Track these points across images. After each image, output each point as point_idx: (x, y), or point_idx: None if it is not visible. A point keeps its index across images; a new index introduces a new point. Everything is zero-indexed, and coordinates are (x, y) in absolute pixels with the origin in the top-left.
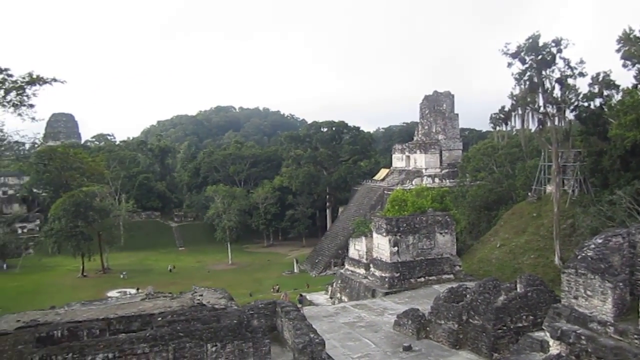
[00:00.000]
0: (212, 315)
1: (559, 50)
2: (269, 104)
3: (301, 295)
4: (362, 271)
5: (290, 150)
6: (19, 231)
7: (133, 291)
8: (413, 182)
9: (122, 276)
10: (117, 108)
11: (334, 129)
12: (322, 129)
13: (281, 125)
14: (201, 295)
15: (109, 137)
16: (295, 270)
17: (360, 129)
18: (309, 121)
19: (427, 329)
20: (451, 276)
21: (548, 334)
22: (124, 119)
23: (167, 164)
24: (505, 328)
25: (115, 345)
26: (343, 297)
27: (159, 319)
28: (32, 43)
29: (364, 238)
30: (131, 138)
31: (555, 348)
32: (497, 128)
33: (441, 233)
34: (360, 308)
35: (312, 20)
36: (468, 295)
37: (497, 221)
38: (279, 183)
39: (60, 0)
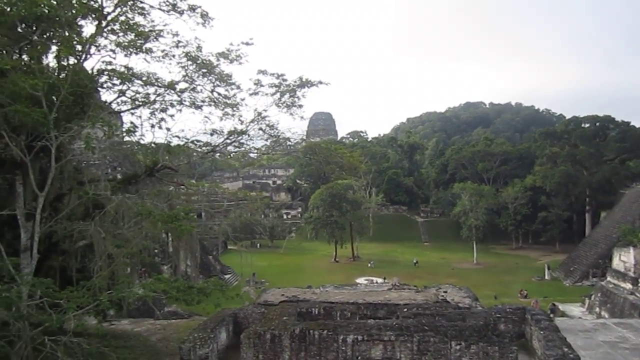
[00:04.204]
0: (457, 313)
1: None
2: (521, 98)
3: (553, 304)
4: (628, 286)
5: (545, 147)
6: (284, 217)
7: (380, 280)
8: None
9: (369, 265)
10: (369, 106)
11: (597, 124)
12: (582, 125)
13: (535, 120)
14: (445, 292)
15: (362, 134)
16: (546, 277)
17: (631, 124)
18: (568, 116)
19: None
20: None
21: None
22: (375, 116)
23: (415, 160)
24: None
25: (364, 329)
26: (603, 313)
27: (405, 310)
28: (295, 48)
29: (632, 249)
30: (382, 135)
31: None
32: None
33: None
34: (624, 327)
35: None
36: None
37: None
38: (531, 182)
39: (320, 17)
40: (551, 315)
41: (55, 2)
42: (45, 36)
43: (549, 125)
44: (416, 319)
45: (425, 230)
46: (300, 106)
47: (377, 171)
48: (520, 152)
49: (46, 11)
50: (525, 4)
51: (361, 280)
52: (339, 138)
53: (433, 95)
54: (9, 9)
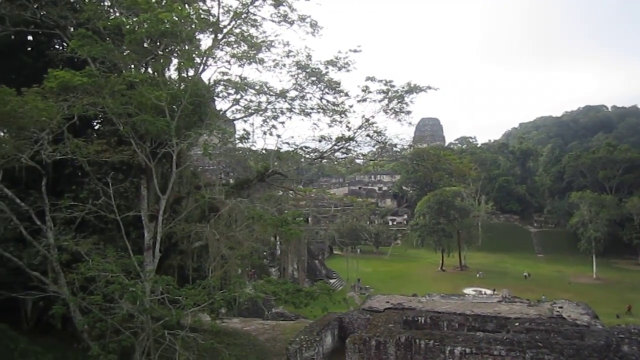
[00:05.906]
0: (574, 330)
1: None
2: None
3: None
4: None
5: None
6: (390, 223)
7: (489, 292)
8: None
9: (478, 275)
10: (479, 111)
11: None
12: None
13: None
14: (561, 307)
15: (470, 140)
16: None
17: None
18: None
19: None
20: None
21: None
22: (485, 121)
23: (528, 167)
24: None
25: (473, 341)
26: None
27: (516, 324)
28: (405, 54)
29: None
30: (492, 140)
31: None
32: None
33: None
34: None
35: None
36: None
37: None
38: None
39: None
40: None
41: (177, 19)
42: (167, 50)
43: None
44: (529, 334)
45: (538, 241)
46: (409, 112)
47: (486, 178)
48: None
49: (169, 27)
50: None
51: (469, 290)
52: (446, 144)
53: (548, 99)
54: (137, 28)
